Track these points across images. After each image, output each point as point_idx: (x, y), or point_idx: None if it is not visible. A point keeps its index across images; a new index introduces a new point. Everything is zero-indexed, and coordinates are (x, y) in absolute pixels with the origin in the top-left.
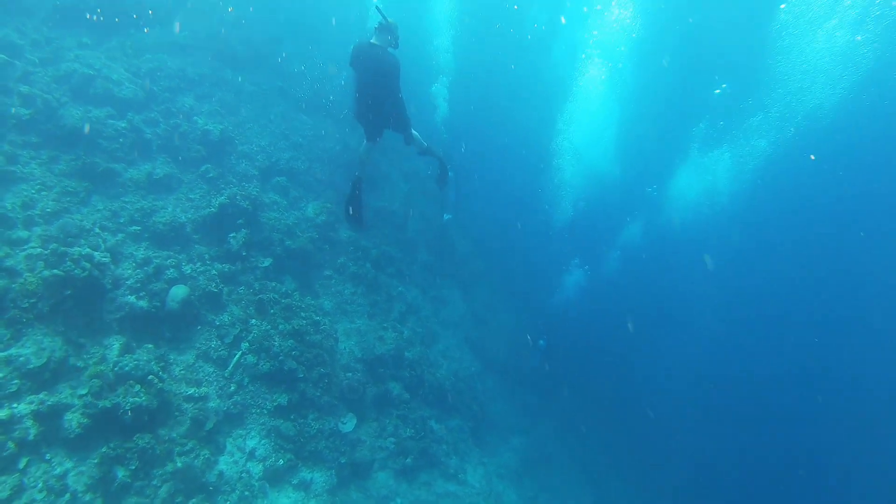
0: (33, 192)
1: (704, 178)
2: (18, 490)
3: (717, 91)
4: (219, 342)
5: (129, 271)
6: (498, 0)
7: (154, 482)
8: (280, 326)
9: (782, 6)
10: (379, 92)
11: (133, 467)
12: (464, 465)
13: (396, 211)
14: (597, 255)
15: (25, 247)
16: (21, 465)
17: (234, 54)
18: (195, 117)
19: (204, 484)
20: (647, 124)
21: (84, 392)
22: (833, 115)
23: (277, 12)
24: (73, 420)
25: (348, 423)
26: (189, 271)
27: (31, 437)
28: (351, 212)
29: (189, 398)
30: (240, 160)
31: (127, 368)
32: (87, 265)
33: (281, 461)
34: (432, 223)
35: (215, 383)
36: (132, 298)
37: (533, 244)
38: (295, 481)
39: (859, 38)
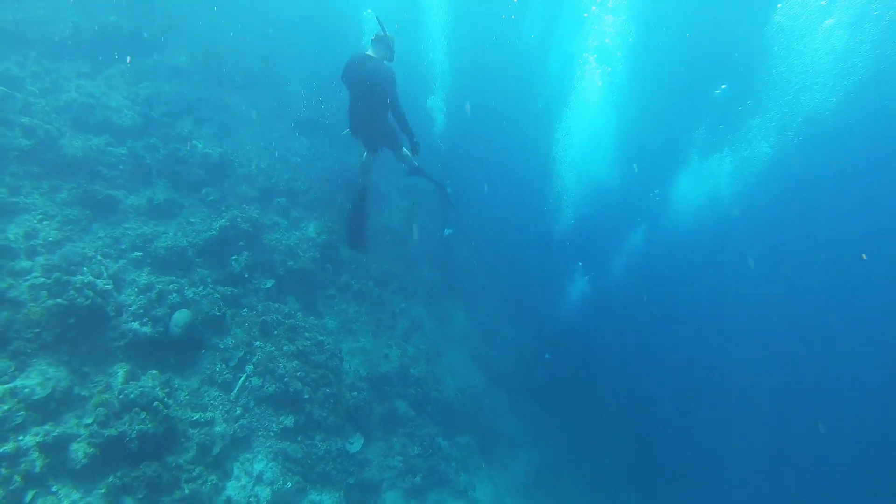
0: (35, 221)
1: (706, 182)
2: None
3: (718, 91)
4: (223, 365)
5: (132, 297)
6: (493, 10)
7: None
8: (284, 348)
9: (779, 6)
10: (373, 105)
11: (140, 496)
12: (473, 482)
13: (397, 228)
14: (601, 264)
15: (28, 277)
16: (28, 498)
17: (231, 77)
18: (194, 141)
19: None
20: (646, 129)
21: (90, 421)
22: (834, 117)
23: (274, 34)
24: (79, 450)
25: (355, 444)
26: (192, 295)
27: (37, 470)
28: (352, 229)
29: (195, 423)
30: (240, 182)
31: (132, 396)
32: (90, 293)
33: (289, 484)
34: (434, 238)
35: (221, 407)
36: (136, 325)
37: (536, 255)
38: None
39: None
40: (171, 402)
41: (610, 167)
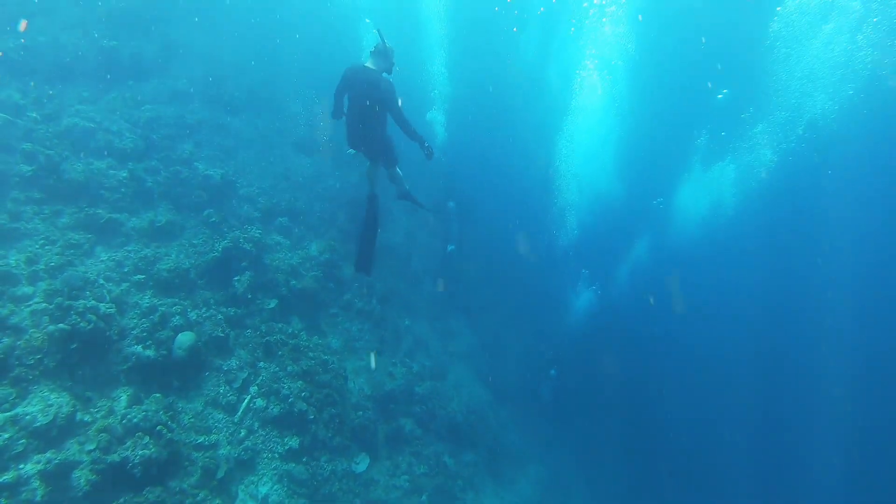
0: (37, 247)
1: (710, 190)
2: None
3: (720, 96)
4: (227, 387)
5: (135, 321)
6: (492, 22)
7: None
8: (289, 368)
9: (778, 9)
10: (371, 118)
11: None
12: (480, 500)
13: (399, 244)
14: (605, 275)
15: (30, 302)
16: None
17: (231, 98)
18: (195, 163)
19: None
20: (648, 137)
21: (92, 447)
22: (836, 123)
23: (273, 54)
24: (81, 477)
25: (361, 464)
26: (195, 317)
27: (38, 499)
28: (362, 251)
29: (199, 447)
30: (241, 203)
31: (135, 420)
32: (93, 317)
33: None
34: (436, 255)
35: (225, 430)
36: (139, 348)
37: (539, 268)
38: None
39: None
40: (174, 425)
41: (612, 176)
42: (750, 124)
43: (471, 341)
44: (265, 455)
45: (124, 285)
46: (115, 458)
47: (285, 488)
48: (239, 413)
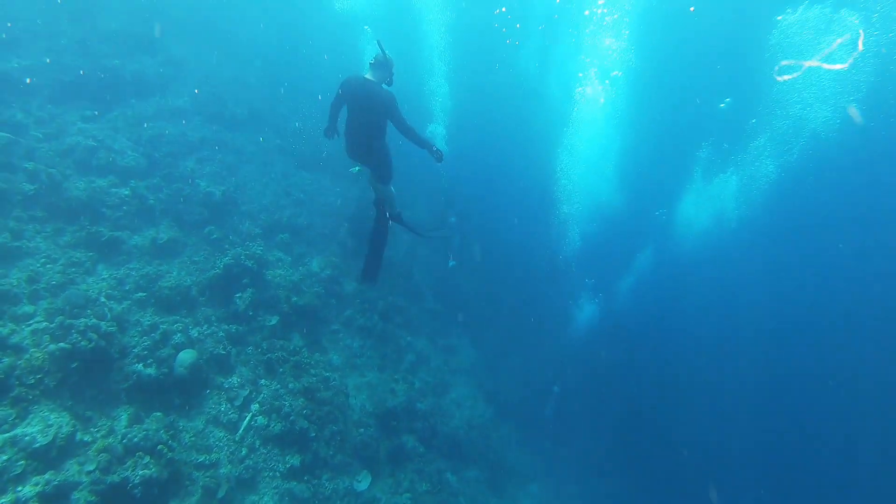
0: (39, 265)
1: (712, 203)
2: None
3: (723, 105)
4: (228, 405)
5: (136, 339)
6: (492, 35)
7: None
8: (290, 385)
9: (779, 17)
10: (370, 128)
11: None
12: None
13: (401, 261)
14: (608, 289)
15: (31, 321)
16: None
17: (233, 115)
18: (197, 180)
19: None
20: (649, 149)
21: (92, 468)
22: (838, 135)
23: (274, 70)
24: (80, 499)
25: (363, 481)
26: (196, 335)
27: None
28: (370, 262)
29: (199, 466)
30: (243, 220)
31: (136, 440)
32: (94, 336)
33: None
34: (437, 270)
35: (226, 448)
36: (140, 367)
37: (541, 283)
38: None
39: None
40: (175, 444)
41: (614, 188)
42: (752, 136)
43: (472, 357)
44: (266, 474)
45: (126, 303)
46: (115, 478)
47: None
48: (240, 431)
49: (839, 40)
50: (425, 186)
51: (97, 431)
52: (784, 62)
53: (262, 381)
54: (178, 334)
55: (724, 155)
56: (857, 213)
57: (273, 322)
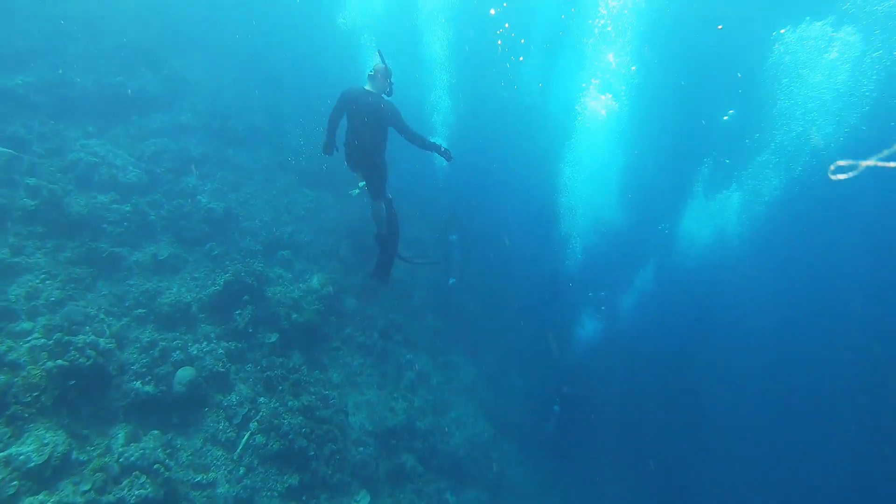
0: (38, 281)
1: (714, 219)
2: None
3: (725, 117)
4: (227, 423)
5: (135, 356)
6: (494, 49)
7: None
8: (289, 403)
9: (782, 31)
10: (371, 138)
11: None
12: None
13: (401, 278)
14: (610, 304)
15: (29, 338)
16: None
17: (235, 132)
18: (198, 196)
19: None
20: (651, 164)
21: (87, 488)
22: (842, 153)
23: (275, 86)
24: None
25: (362, 501)
26: (195, 352)
27: None
28: (382, 260)
29: (197, 485)
30: (244, 236)
31: (132, 459)
32: (92, 353)
33: None
34: (438, 288)
35: (224, 467)
36: (138, 384)
37: (543, 300)
38: None
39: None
40: (172, 463)
41: (616, 203)
42: (755, 151)
43: (473, 375)
44: (264, 493)
45: (125, 320)
46: (110, 498)
47: None
48: (238, 450)
49: None
50: (426, 203)
51: (93, 450)
52: (840, 162)
53: (261, 399)
54: (178, 351)
55: (726, 170)
56: (861, 231)
57: (273, 339)
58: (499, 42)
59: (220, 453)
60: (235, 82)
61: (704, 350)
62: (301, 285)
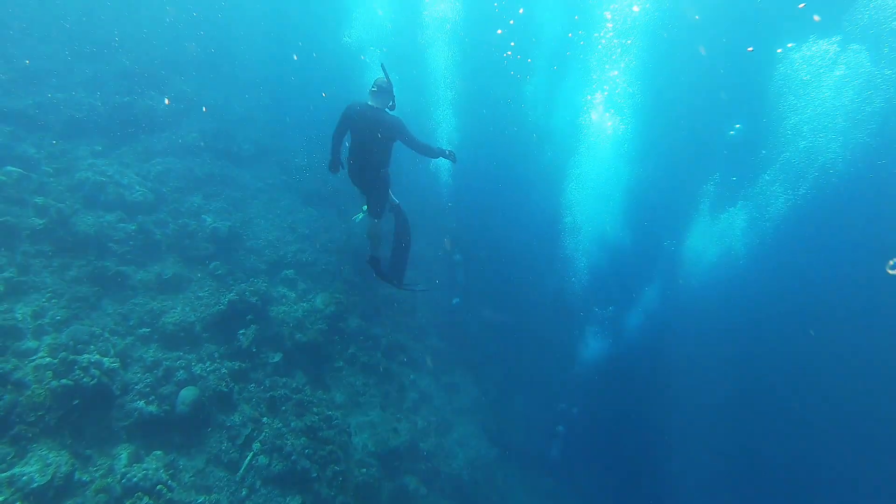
0: (44, 300)
1: (720, 238)
2: None
3: (732, 132)
4: (230, 444)
5: (139, 375)
6: (499, 66)
7: None
8: (292, 424)
9: (789, 45)
10: (376, 154)
11: None
12: None
13: (404, 298)
14: (615, 325)
15: (34, 357)
16: None
17: (240, 152)
18: (203, 216)
19: None
20: (657, 182)
21: None
22: (848, 170)
23: (282, 107)
24: None
25: None
26: (199, 371)
27: None
28: (396, 260)
29: None
30: (248, 255)
31: (135, 479)
32: (97, 372)
33: None
34: (441, 308)
35: (226, 489)
36: (141, 404)
37: (546, 320)
38: None
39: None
40: (174, 484)
41: (620, 221)
42: (761, 168)
43: (476, 395)
44: None
45: (129, 339)
46: None
47: None
48: (241, 471)
49: None
50: (430, 221)
51: (96, 471)
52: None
53: (265, 420)
54: (181, 371)
55: (732, 188)
56: (868, 248)
57: (276, 359)
58: (507, 53)
59: (222, 474)
60: (241, 102)
61: (711, 370)
62: (305, 305)
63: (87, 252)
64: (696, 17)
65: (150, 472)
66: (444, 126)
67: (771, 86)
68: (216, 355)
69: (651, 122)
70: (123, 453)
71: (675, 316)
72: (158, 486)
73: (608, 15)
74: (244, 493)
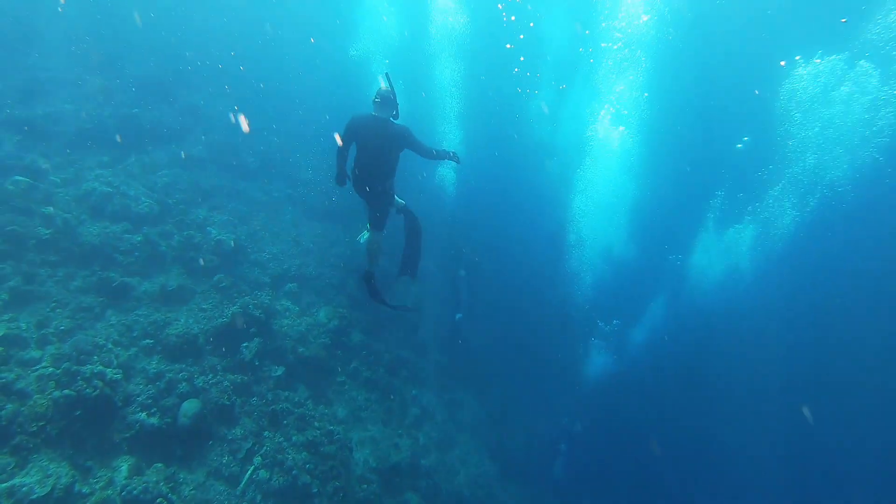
0: (48, 310)
1: (727, 254)
2: None
3: (739, 145)
4: (231, 457)
5: (141, 387)
6: (505, 82)
7: None
8: (294, 438)
9: (797, 57)
10: (387, 165)
11: None
12: None
13: (408, 313)
14: (620, 342)
15: (37, 367)
16: None
17: (246, 165)
18: (209, 228)
19: None
20: (663, 196)
21: None
22: (856, 188)
23: (288, 120)
24: None
25: None
26: (201, 384)
27: None
28: (409, 254)
29: None
30: (252, 268)
31: (135, 492)
32: (99, 383)
33: None
34: (444, 323)
35: (227, 503)
36: (143, 415)
37: (550, 336)
38: None
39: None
40: (174, 497)
41: (626, 236)
42: (768, 184)
43: (478, 412)
44: None
45: (133, 350)
46: None
47: None
48: (241, 485)
49: None
50: (434, 238)
51: (96, 482)
52: None
53: (266, 434)
54: (184, 383)
55: (739, 204)
56: (877, 266)
57: (279, 373)
58: (516, 69)
59: (222, 488)
60: (248, 115)
61: (718, 388)
62: (308, 319)
63: (93, 262)
64: (704, 28)
65: (151, 484)
66: (449, 139)
67: (778, 100)
68: (219, 368)
69: (658, 135)
70: (124, 465)
71: (680, 332)
72: (158, 500)
73: (617, 26)
74: None
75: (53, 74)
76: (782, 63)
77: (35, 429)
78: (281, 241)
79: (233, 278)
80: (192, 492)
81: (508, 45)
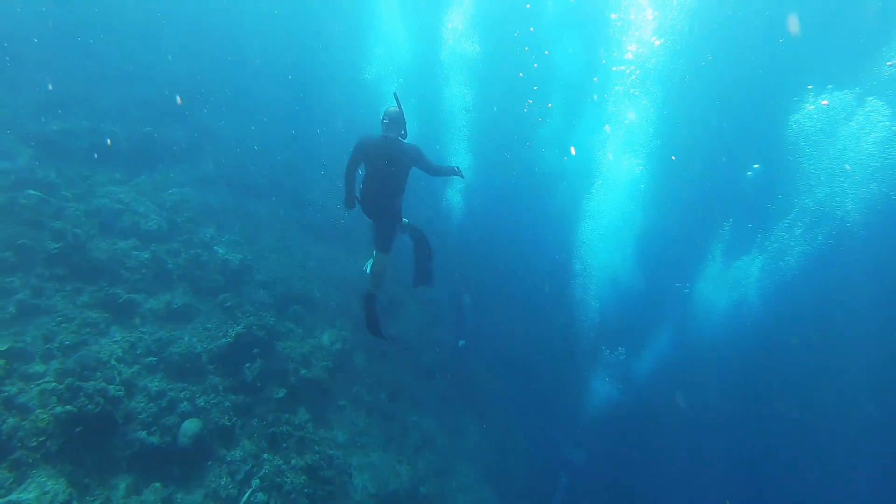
0: (54, 324)
1: (734, 286)
2: None
3: (749, 173)
4: (229, 479)
5: (143, 405)
6: (513, 103)
7: None
8: (293, 461)
9: (809, 87)
10: (396, 185)
11: None
12: None
13: (410, 338)
14: (624, 370)
15: (41, 381)
16: None
17: (255, 185)
18: (215, 247)
19: None
20: (670, 225)
21: None
22: (866, 224)
23: (298, 142)
24: None
25: None
26: (202, 403)
27: None
28: (421, 266)
29: None
30: (257, 289)
31: None
32: (101, 400)
33: None
34: (447, 349)
35: None
36: (143, 434)
37: (553, 364)
38: None
39: None
40: None
41: (632, 265)
42: (777, 216)
43: (479, 439)
44: None
45: (136, 367)
46: None
47: None
48: None
49: None
50: (439, 264)
51: (93, 501)
52: None
53: (265, 456)
54: (185, 402)
55: (748, 235)
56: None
57: (280, 395)
58: (530, 101)
59: None
60: (259, 135)
61: (722, 421)
62: (311, 341)
63: (100, 278)
64: (709, 57)
65: None
66: (457, 162)
67: (787, 132)
68: (220, 388)
69: (666, 165)
70: (122, 484)
71: (685, 364)
72: None
73: (630, 56)
74: None
75: (69, 91)
76: (809, 87)
77: (35, 444)
78: (287, 261)
79: (238, 298)
80: None
81: (521, 74)
